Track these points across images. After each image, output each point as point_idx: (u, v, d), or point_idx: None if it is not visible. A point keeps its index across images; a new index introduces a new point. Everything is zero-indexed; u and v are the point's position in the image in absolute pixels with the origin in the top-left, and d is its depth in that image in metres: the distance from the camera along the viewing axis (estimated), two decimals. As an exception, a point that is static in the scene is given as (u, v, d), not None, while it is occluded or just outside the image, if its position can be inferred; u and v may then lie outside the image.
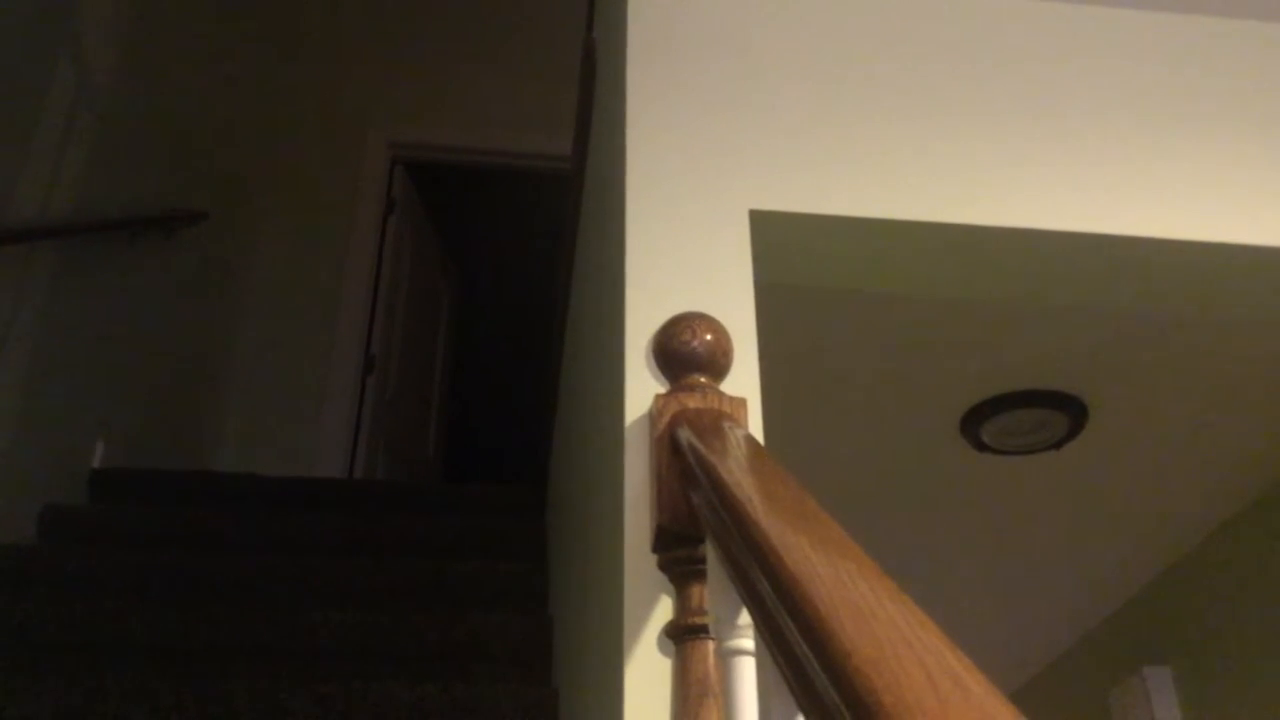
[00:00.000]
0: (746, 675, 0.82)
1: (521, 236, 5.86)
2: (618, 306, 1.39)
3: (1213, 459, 2.33)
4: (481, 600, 2.56)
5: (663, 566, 1.04)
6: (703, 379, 1.10)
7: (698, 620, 0.95)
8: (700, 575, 0.98)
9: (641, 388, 1.23)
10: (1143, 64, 1.76)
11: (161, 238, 3.46)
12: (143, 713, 1.95)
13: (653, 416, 1.10)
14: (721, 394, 1.09)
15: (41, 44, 2.81)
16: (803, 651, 0.55)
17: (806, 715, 0.57)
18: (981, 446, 2.26)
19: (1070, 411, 2.16)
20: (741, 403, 1.09)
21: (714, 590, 0.89)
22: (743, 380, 1.24)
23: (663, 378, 1.13)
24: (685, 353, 1.10)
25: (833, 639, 0.52)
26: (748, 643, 0.82)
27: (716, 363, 1.11)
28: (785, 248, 1.56)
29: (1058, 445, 2.26)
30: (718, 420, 1.03)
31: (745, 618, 0.82)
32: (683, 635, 0.96)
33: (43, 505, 2.73)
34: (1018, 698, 3.37)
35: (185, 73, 3.74)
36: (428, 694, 2.05)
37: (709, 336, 1.11)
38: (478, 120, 4.84)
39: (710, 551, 0.90)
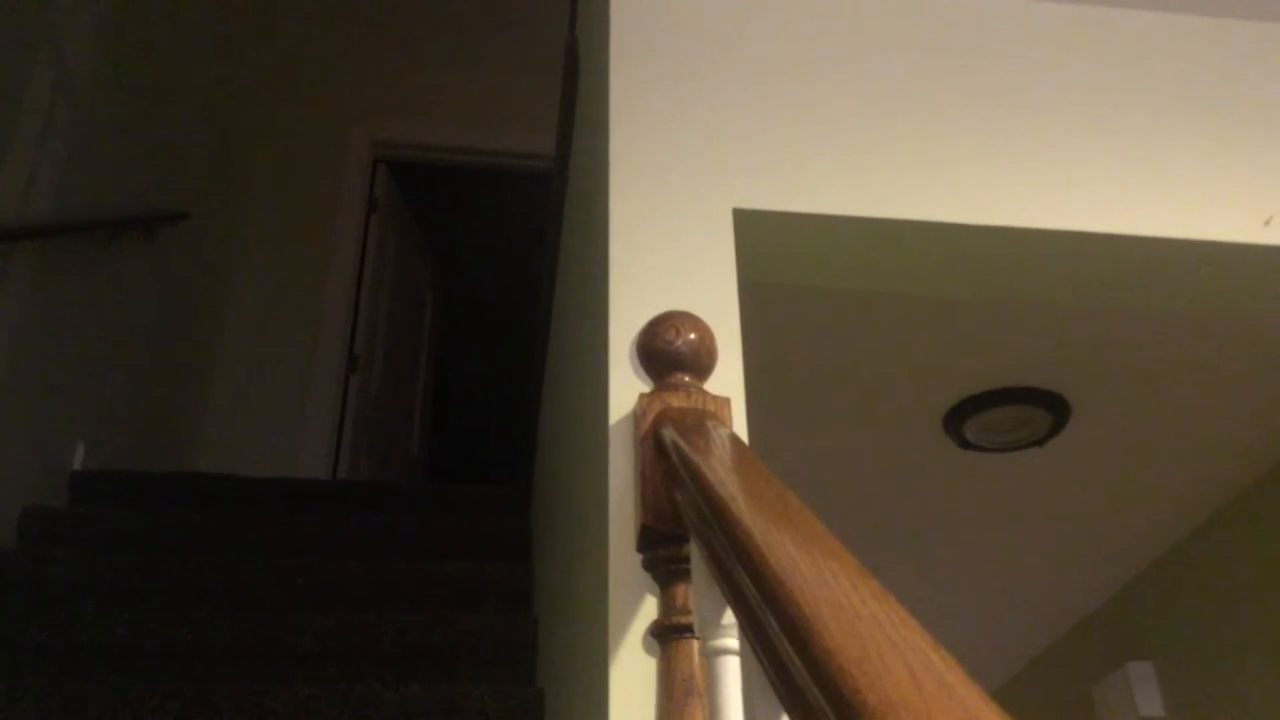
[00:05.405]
0: (731, 674, 0.82)
1: (505, 235, 5.85)
2: (601, 305, 1.38)
3: (1195, 455, 2.34)
4: (466, 600, 2.55)
5: (647, 566, 1.03)
6: (687, 378, 1.10)
7: (682, 620, 0.95)
8: (685, 574, 0.98)
9: (625, 387, 1.22)
10: (1129, 63, 1.76)
11: (142, 237, 3.44)
12: (125, 717, 1.94)
13: (637, 416, 1.10)
14: (705, 393, 1.09)
15: (19, 40, 2.78)
16: (786, 650, 0.55)
17: (791, 714, 0.56)
18: (965, 444, 2.27)
19: (1053, 409, 2.17)
20: (725, 401, 1.09)
21: (698, 589, 0.89)
22: (727, 379, 1.24)
23: (647, 377, 1.13)
24: (669, 352, 1.10)
25: (816, 638, 0.52)
26: (732, 642, 0.82)
27: (700, 362, 1.11)
28: (770, 246, 1.56)
29: (1040, 442, 2.27)
30: (702, 419, 1.02)
31: (729, 617, 0.82)
32: (667, 635, 0.96)
33: (22, 508, 2.70)
34: (1002, 694, 3.38)
35: (166, 71, 3.71)
36: (412, 694, 2.04)
37: (693, 335, 1.11)
38: (461, 119, 4.83)
39: (694, 551, 0.90)
